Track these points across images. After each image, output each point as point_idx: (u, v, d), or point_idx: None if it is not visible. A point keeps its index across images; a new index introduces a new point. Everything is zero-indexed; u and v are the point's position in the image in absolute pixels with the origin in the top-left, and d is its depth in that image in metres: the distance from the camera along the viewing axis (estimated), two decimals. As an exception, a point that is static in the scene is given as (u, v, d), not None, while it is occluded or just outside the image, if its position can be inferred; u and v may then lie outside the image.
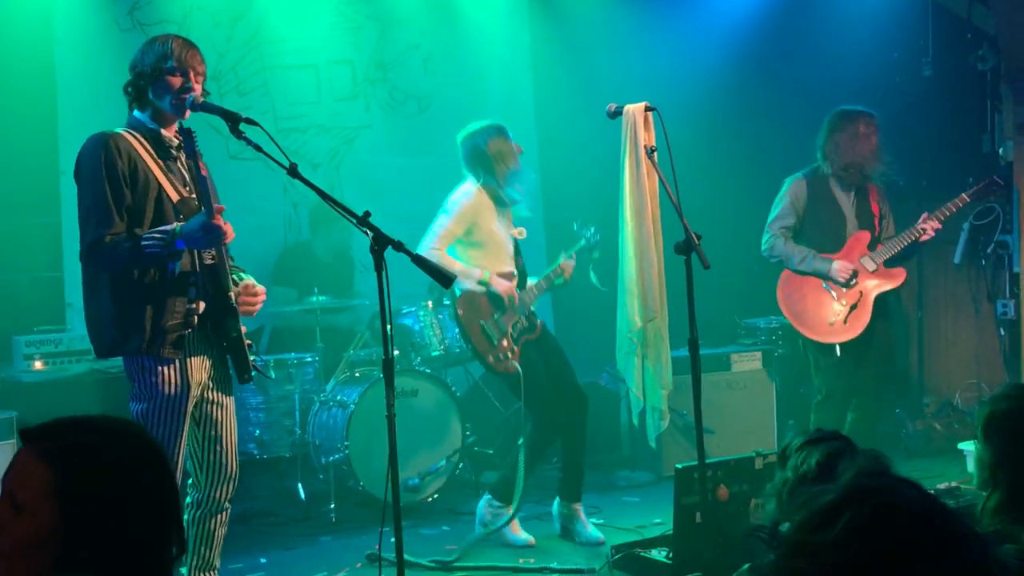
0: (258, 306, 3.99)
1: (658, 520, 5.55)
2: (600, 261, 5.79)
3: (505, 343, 5.38)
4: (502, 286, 5.37)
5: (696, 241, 4.14)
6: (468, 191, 5.36)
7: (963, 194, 5.70)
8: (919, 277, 7.70)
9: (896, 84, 7.66)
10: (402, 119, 7.69)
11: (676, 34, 7.72)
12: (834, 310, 5.69)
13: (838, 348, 5.69)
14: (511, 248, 5.48)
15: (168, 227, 3.68)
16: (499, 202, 5.40)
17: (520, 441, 5.42)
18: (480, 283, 5.35)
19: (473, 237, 5.36)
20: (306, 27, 7.37)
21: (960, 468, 6.26)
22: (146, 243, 3.65)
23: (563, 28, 7.96)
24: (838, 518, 1.24)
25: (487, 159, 5.35)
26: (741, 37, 7.79)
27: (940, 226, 5.68)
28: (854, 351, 5.70)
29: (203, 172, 3.75)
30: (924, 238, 5.68)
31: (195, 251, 3.80)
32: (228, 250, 4.10)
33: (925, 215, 5.67)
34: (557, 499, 5.59)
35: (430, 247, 5.25)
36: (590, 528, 5.47)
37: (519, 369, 5.31)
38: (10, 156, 6.31)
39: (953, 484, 5.31)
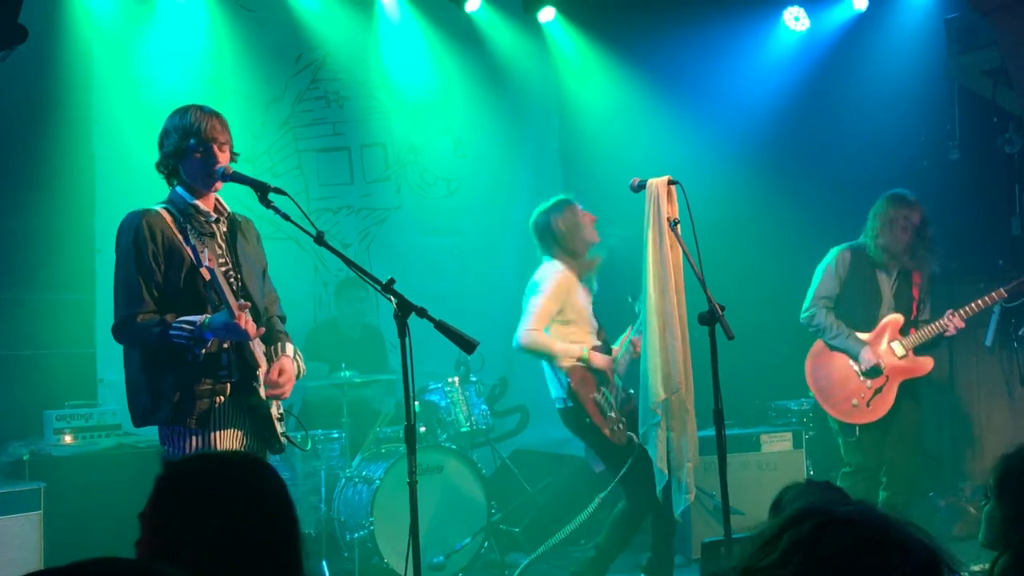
0: (287, 391, 4.00)
1: (686, 601, 5.46)
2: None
3: (614, 415, 5.28)
4: (600, 360, 5.30)
5: (720, 312, 4.15)
6: (557, 268, 5.31)
7: (1001, 288, 5.72)
8: (950, 360, 7.62)
9: (923, 168, 7.68)
10: (432, 200, 7.81)
11: (702, 115, 7.82)
12: (858, 391, 5.72)
13: (857, 429, 5.71)
14: (595, 322, 5.44)
15: (196, 319, 3.72)
16: (579, 277, 5.38)
17: (610, 517, 5.35)
18: (580, 360, 5.28)
19: (565, 315, 5.31)
20: (340, 111, 7.54)
21: (997, 553, 6.11)
22: (174, 332, 3.70)
23: (592, 103, 8.10)
24: (780, 539, 1.25)
25: (561, 237, 5.33)
26: (767, 117, 7.87)
27: (963, 325, 5.69)
28: (877, 432, 5.71)
29: (210, 264, 3.65)
30: (947, 334, 5.71)
31: None
32: (280, 309, 4.16)
33: (950, 312, 5.68)
34: None
35: (528, 328, 5.19)
36: None
37: (634, 438, 5.18)
38: (47, 233, 6.44)
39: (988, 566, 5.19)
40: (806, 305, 5.84)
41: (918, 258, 5.78)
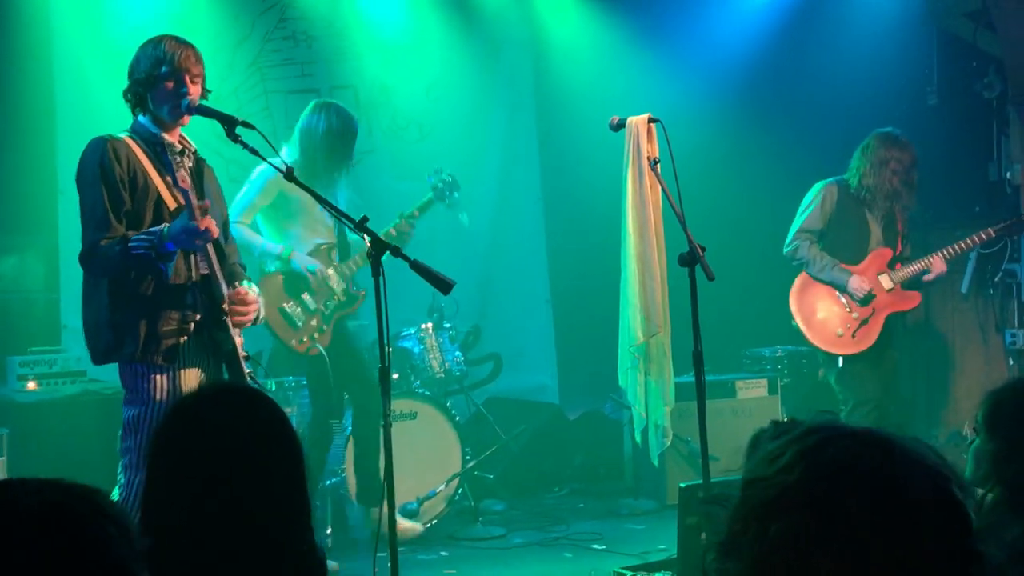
0: (251, 315, 3.90)
1: (662, 546, 5.41)
2: (463, 203, 5.85)
3: (314, 322, 5.27)
4: (303, 261, 5.24)
5: (700, 252, 4.06)
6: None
7: (990, 228, 5.75)
8: (926, 306, 7.59)
9: (901, 112, 7.59)
10: (404, 144, 7.65)
11: (680, 55, 7.71)
12: (844, 321, 5.69)
13: (841, 360, 5.69)
14: (329, 219, 5.32)
15: (156, 228, 3.65)
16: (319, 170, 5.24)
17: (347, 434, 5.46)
18: (280, 258, 5.22)
19: (283, 208, 5.24)
20: (309, 52, 7.36)
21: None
22: (133, 244, 3.62)
23: (567, 44, 7.97)
24: (786, 452, 1.28)
25: (321, 140, 5.33)
26: (746, 57, 7.76)
27: (944, 268, 5.74)
28: (859, 366, 5.68)
29: (183, 185, 3.71)
30: (927, 278, 5.74)
31: (191, 260, 3.74)
32: (240, 258, 4.07)
33: (933, 255, 5.74)
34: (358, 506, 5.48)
35: (232, 220, 5.10)
36: None
37: (323, 352, 5.21)
38: (8, 176, 6.27)
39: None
40: (789, 239, 5.80)
41: (899, 197, 5.75)
